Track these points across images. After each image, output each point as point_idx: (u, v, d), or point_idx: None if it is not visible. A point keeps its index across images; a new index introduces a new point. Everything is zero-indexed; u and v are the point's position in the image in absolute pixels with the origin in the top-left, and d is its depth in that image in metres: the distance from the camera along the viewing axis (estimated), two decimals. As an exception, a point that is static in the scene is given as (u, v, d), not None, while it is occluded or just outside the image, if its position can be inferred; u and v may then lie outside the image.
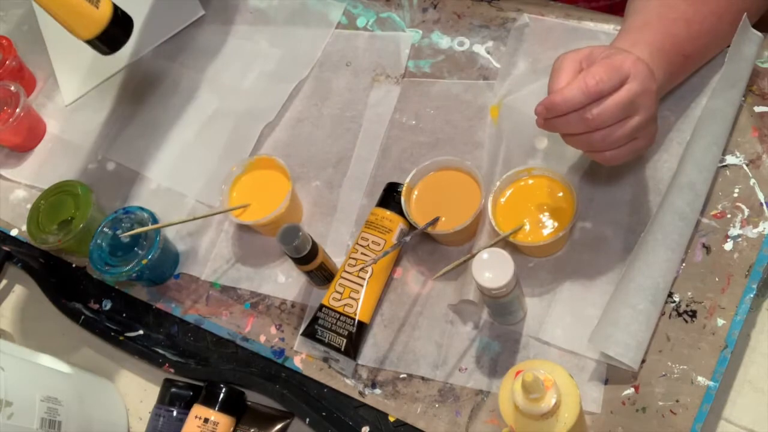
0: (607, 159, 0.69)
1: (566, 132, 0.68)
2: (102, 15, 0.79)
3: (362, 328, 0.79)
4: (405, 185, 0.80)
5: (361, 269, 0.79)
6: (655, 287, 0.71)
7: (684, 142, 0.78)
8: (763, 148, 0.77)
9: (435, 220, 0.78)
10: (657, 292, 0.71)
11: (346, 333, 0.78)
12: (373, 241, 0.81)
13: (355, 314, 0.78)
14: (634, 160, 0.77)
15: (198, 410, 0.80)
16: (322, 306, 0.80)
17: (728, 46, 0.76)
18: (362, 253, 0.81)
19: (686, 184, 0.74)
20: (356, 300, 0.79)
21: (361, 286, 0.79)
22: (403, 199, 0.80)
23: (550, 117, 0.66)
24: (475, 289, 0.74)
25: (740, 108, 0.78)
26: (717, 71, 0.80)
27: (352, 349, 0.78)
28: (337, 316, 0.79)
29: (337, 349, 0.78)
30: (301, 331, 0.82)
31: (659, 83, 0.69)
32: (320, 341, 0.79)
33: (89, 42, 0.82)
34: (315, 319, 0.80)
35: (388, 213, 0.82)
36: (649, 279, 0.71)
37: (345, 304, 0.79)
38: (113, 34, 0.82)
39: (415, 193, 0.81)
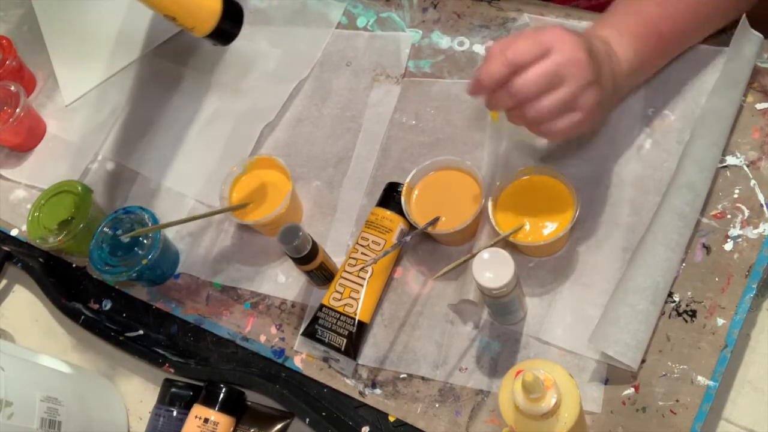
0: (547, 132, 0.69)
1: (498, 107, 0.69)
2: (214, 8, 0.78)
3: (362, 327, 0.79)
4: (405, 185, 0.80)
5: (362, 269, 0.79)
6: (654, 287, 0.71)
7: (684, 141, 0.78)
8: (764, 149, 0.77)
9: (435, 220, 0.78)
10: (657, 292, 0.71)
11: (346, 333, 0.78)
12: (373, 241, 0.81)
13: (356, 314, 0.78)
14: (590, 136, 0.77)
15: (198, 410, 0.80)
16: (322, 306, 0.80)
17: (722, 34, 0.77)
18: (362, 253, 0.81)
19: (686, 184, 0.74)
20: (356, 300, 0.79)
21: (362, 285, 0.79)
22: (403, 199, 0.80)
23: (478, 93, 0.68)
24: (475, 288, 0.74)
25: (740, 108, 0.78)
26: (717, 71, 0.80)
27: (353, 349, 0.78)
28: (338, 315, 0.79)
29: (337, 349, 0.78)
30: (301, 331, 0.82)
31: (634, 63, 0.70)
32: (320, 341, 0.79)
33: (207, 37, 0.80)
34: (315, 319, 0.80)
35: (388, 213, 0.82)
36: (649, 279, 0.71)
37: (345, 304, 0.79)
38: (227, 25, 0.80)
39: (416, 192, 0.81)
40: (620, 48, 0.72)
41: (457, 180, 0.81)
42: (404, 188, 0.80)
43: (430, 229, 0.78)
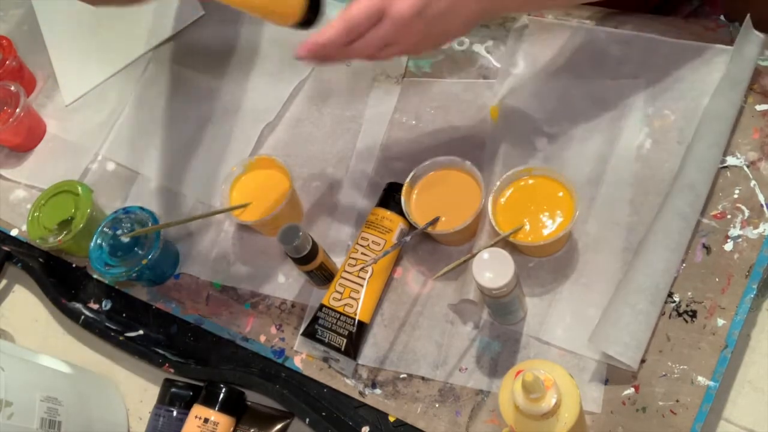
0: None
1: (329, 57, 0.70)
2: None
3: (362, 327, 0.79)
4: (405, 185, 0.80)
5: (361, 269, 0.79)
6: (655, 287, 0.71)
7: (684, 141, 0.78)
8: (764, 150, 0.77)
9: (435, 220, 0.78)
10: (657, 292, 0.71)
11: (346, 333, 0.78)
12: (373, 241, 0.81)
13: (356, 314, 0.78)
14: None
15: (198, 410, 0.80)
16: (322, 306, 0.80)
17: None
18: (362, 253, 0.81)
19: (687, 185, 0.74)
20: (356, 300, 0.79)
21: (362, 286, 0.79)
22: (403, 199, 0.80)
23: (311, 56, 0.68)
24: (475, 288, 0.74)
25: (741, 109, 0.78)
26: (717, 70, 0.80)
27: (353, 349, 0.78)
28: (338, 315, 0.79)
29: (337, 349, 0.78)
30: (301, 331, 0.82)
31: None
32: (320, 341, 0.79)
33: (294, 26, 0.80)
34: (315, 319, 0.80)
35: (388, 213, 0.82)
36: (649, 279, 0.71)
37: (345, 304, 0.79)
38: (311, 12, 0.80)
39: (415, 193, 0.81)
40: None
41: (457, 180, 0.81)
42: (404, 188, 0.80)
43: (430, 229, 0.78)
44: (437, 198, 0.81)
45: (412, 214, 0.80)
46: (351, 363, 0.79)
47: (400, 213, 0.81)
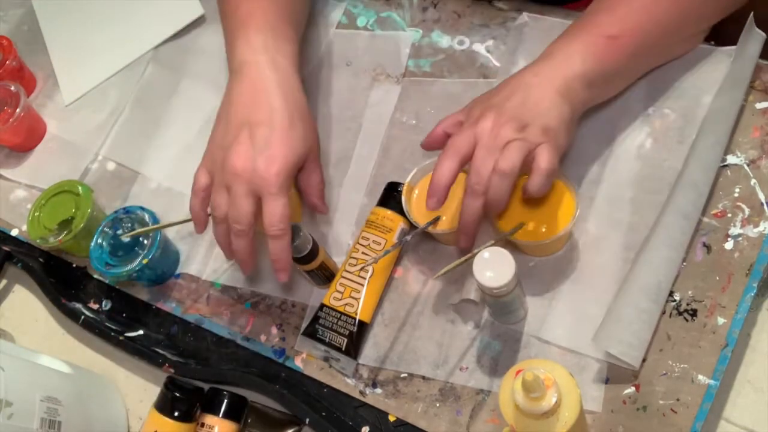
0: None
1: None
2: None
3: (363, 327, 0.79)
4: (406, 184, 0.80)
5: (362, 269, 0.79)
6: (657, 286, 0.71)
7: (684, 140, 0.78)
8: (764, 148, 0.77)
9: (436, 220, 0.78)
10: (659, 291, 0.71)
11: (347, 332, 0.78)
12: (374, 241, 0.81)
13: (356, 314, 0.78)
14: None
15: (201, 417, 0.80)
16: (322, 305, 0.80)
17: (712, 43, 0.77)
18: (363, 253, 0.81)
19: (690, 183, 0.74)
20: (357, 300, 0.79)
21: (362, 285, 0.79)
22: (403, 198, 0.80)
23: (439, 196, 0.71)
24: (476, 288, 0.74)
25: (742, 108, 0.78)
26: (717, 70, 0.80)
27: (353, 349, 0.78)
28: (338, 315, 0.79)
29: (338, 349, 0.78)
30: (301, 330, 0.82)
31: (585, 67, 0.71)
32: (321, 341, 0.79)
33: None
34: (316, 319, 0.79)
35: (388, 212, 0.82)
36: (651, 278, 0.71)
37: (346, 304, 0.79)
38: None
39: (416, 192, 0.81)
40: (573, 51, 0.72)
41: (457, 179, 0.81)
42: (405, 187, 0.80)
43: (430, 229, 0.78)
44: None
45: (413, 213, 0.80)
46: (352, 363, 0.79)
47: (401, 212, 0.81)
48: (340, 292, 0.80)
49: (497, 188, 0.69)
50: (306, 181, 0.78)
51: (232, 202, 0.72)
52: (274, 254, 0.73)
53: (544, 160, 0.68)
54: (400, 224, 0.82)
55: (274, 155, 0.71)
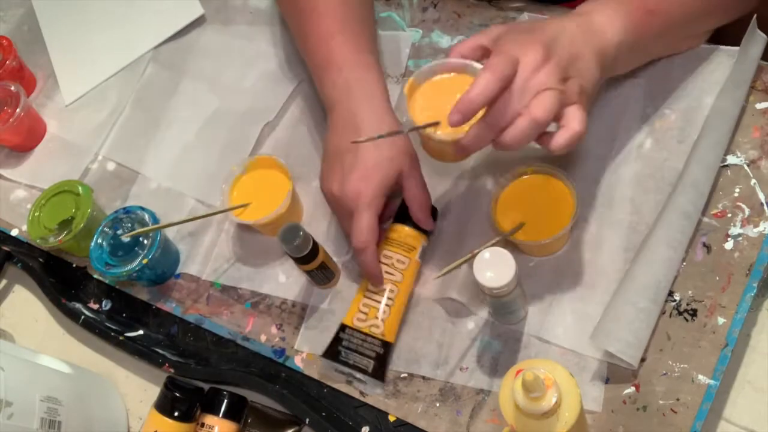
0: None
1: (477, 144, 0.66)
2: None
3: (388, 348, 0.77)
4: (410, 81, 0.72)
5: (389, 290, 0.78)
6: (656, 285, 0.71)
7: (684, 140, 0.78)
8: (764, 148, 0.77)
9: (434, 124, 0.69)
10: (658, 291, 0.71)
11: (373, 354, 0.76)
12: (397, 260, 0.79)
13: (383, 335, 0.76)
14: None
15: (200, 418, 0.80)
16: (344, 326, 0.77)
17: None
18: (386, 272, 0.78)
19: (691, 183, 0.74)
20: (383, 320, 0.77)
21: (389, 306, 0.77)
22: (405, 93, 0.72)
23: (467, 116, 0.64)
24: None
25: (743, 108, 0.78)
26: (716, 71, 0.80)
27: (381, 371, 0.76)
28: (363, 337, 0.76)
29: (365, 371, 0.76)
30: (321, 353, 0.78)
31: (622, 37, 0.69)
32: (345, 363, 0.76)
33: None
34: (338, 340, 0.77)
35: (408, 230, 0.79)
36: (652, 277, 0.71)
37: (372, 325, 0.77)
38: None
39: (418, 99, 0.72)
40: (614, 21, 0.70)
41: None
42: (408, 84, 0.72)
43: (428, 131, 0.69)
44: (440, 104, 0.70)
45: (412, 112, 0.72)
46: (378, 384, 0.77)
47: (422, 230, 0.79)
48: (364, 312, 0.77)
49: (520, 133, 0.63)
50: (407, 196, 0.78)
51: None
52: (359, 265, 0.78)
53: (578, 121, 0.64)
54: (422, 242, 0.80)
55: (355, 177, 0.75)
